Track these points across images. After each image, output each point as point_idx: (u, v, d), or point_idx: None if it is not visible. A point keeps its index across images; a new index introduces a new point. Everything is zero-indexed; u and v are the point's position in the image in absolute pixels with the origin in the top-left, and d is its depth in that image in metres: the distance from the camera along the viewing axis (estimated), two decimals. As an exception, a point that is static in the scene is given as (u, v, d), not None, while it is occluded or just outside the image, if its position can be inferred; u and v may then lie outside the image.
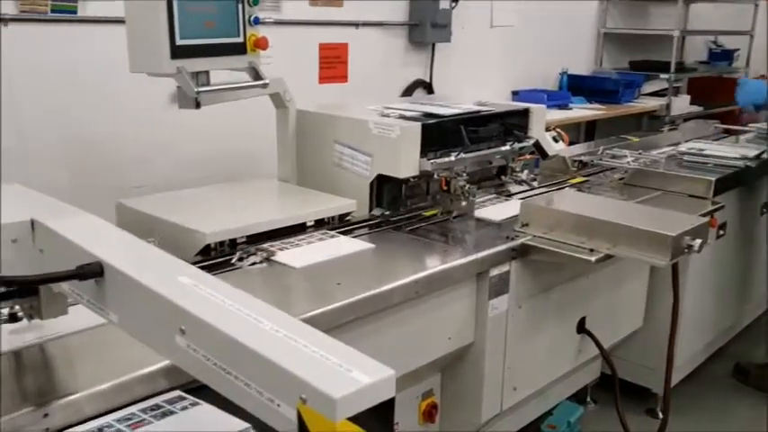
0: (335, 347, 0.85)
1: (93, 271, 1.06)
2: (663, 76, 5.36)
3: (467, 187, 2.33)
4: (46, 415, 1.20)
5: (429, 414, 2.25)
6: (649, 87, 5.50)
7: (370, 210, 2.37)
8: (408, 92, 4.10)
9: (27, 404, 1.20)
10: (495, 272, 2.10)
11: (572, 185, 2.88)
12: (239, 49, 2.07)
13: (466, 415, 2.26)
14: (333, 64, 3.72)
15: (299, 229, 2.16)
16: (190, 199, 2.29)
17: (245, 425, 1.20)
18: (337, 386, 0.76)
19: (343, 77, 3.76)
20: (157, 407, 1.27)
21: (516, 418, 2.62)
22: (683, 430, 2.99)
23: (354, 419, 0.76)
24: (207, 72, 2.06)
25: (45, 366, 1.36)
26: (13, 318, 1.45)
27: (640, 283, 2.88)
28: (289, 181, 2.52)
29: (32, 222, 1.25)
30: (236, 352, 0.86)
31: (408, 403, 2.20)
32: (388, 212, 2.37)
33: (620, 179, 2.97)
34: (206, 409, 1.26)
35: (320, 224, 2.23)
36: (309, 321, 1.17)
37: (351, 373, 0.78)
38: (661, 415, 3.05)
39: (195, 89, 1.97)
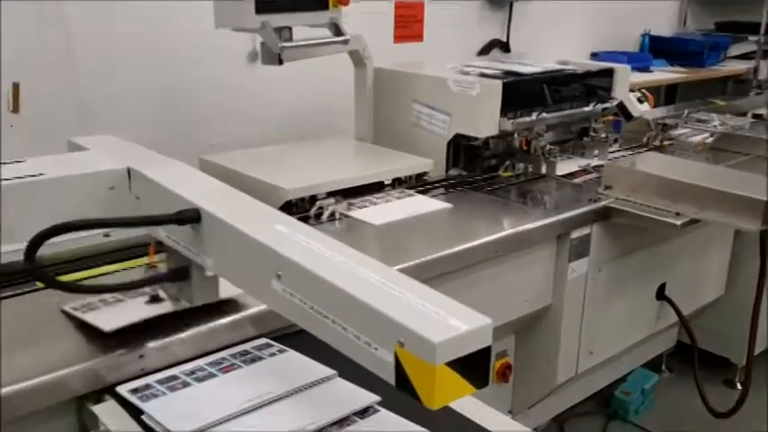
0: (432, 295, 0.85)
1: (190, 216, 1.09)
2: (751, 38, 5.10)
3: (547, 148, 2.29)
4: (141, 356, 1.25)
5: (503, 374, 2.24)
6: (736, 50, 5.25)
7: (447, 170, 2.36)
8: (484, 51, 4.03)
9: (123, 347, 1.25)
10: (575, 234, 2.07)
11: (655, 149, 2.79)
12: (322, 5, 2.07)
13: (540, 376, 2.25)
14: (408, 23, 3.67)
15: (376, 188, 2.16)
16: (270, 156, 2.32)
17: (332, 371, 1.23)
18: (437, 331, 0.76)
19: (418, 37, 3.71)
20: (246, 352, 1.31)
21: (589, 383, 2.59)
22: (762, 403, 2.91)
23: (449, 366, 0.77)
24: (289, 28, 2.06)
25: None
26: (154, 299, 1.37)
27: (723, 250, 2.79)
28: (365, 140, 2.52)
29: (129, 171, 1.29)
30: (333, 296, 0.87)
31: (483, 363, 2.20)
32: (465, 173, 2.35)
33: (706, 143, 2.87)
34: (293, 356, 1.30)
35: (397, 183, 2.23)
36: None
37: (449, 320, 0.78)
38: (740, 386, 2.98)
39: (279, 44, 1.98)
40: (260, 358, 1.29)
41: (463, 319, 0.79)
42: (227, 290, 1.31)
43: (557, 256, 2.10)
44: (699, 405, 2.67)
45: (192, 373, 1.24)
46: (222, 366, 1.26)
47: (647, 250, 2.39)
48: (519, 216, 2.05)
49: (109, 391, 1.22)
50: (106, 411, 1.17)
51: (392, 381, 0.80)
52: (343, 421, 1.09)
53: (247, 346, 1.33)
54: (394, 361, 0.79)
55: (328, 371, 1.23)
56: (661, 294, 2.52)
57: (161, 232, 1.20)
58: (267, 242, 0.97)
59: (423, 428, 1.05)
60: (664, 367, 3.07)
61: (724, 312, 2.87)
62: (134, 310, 1.32)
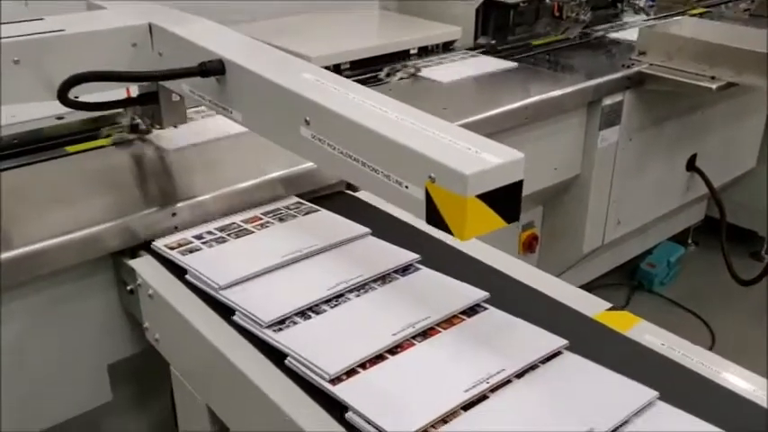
0: (463, 133, 0.84)
1: (214, 68, 1.07)
2: None
3: (580, 13, 2.20)
4: (174, 214, 1.27)
5: (529, 245, 2.26)
6: None
7: (476, 38, 2.29)
8: None
9: (155, 204, 1.27)
10: (607, 101, 2.02)
11: (692, 16, 2.68)
12: None
13: (567, 246, 2.27)
14: None
15: (402, 56, 2.12)
16: (294, 25, 2.26)
17: (366, 229, 1.24)
18: (468, 164, 0.75)
19: None
20: (278, 210, 1.32)
21: (615, 255, 2.61)
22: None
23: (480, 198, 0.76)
24: None
25: (169, 174, 1.42)
26: (134, 129, 1.51)
27: (757, 121, 2.72)
28: (390, 9, 2.45)
29: (150, 26, 1.26)
30: (362, 138, 0.86)
31: (509, 233, 2.22)
32: (494, 41, 2.28)
33: (746, 10, 2.74)
34: (326, 215, 1.30)
35: (423, 52, 2.18)
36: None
37: (481, 154, 0.77)
38: (766, 257, 2.99)
39: None
40: (293, 216, 1.30)
41: (495, 154, 0.77)
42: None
43: (587, 125, 2.06)
44: (724, 277, 2.68)
45: (227, 228, 1.26)
46: (256, 223, 1.27)
47: (679, 120, 2.33)
48: (549, 83, 2.00)
49: (144, 248, 1.25)
50: (142, 265, 1.20)
51: (423, 217, 0.80)
52: (385, 277, 1.09)
53: (278, 204, 1.34)
54: (425, 197, 0.79)
55: (363, 228, 1.24)
56: (691, 165, 2.48)
57: (185, 87, 1.19)
58: (294, 88, 0.96)
59: (464, 283, 1.07)
60: (690, 240, 3.07)
61: (754, 186, 2.84)
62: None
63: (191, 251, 1.19)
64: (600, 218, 2.23)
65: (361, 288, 1.07)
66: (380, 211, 1.34)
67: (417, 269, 1.13)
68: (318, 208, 1.32)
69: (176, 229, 1.26)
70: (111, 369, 1.34)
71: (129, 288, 1.22)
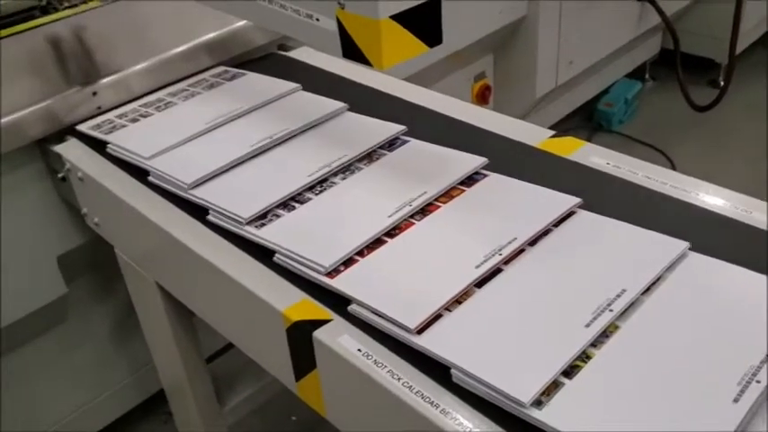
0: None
1: None
2: None
3: None
4: (95, 93, 1.20)
5: (482, 95, 2.22)
6: None
7: None
8: None
9: (73, 84, 1.19)
10: (547, -69, 1.92)
11: None
12: None
13: (520, 92, 2.22)
14: None
15: None
16: None
17: (295, 84, 1.18)
18: (377, -17, 0.69)
19: None
20: (205, 80, 1.26)
21: (571, 98, 2.58)
22: (744, 100, 2.92)
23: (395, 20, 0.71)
24: None
25: (84, 50, 1.33)
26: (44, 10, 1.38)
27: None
28: None
29: None
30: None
31: (462, 86, 2.17)
32: None
33: None
34: (254, 77, 1.24)
35: None
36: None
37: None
38: (722, 83, 2.97)
39: None
40: (220, 83, 1.24)
41: (405, -29, 0.71)
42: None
43: (529, -39, 1.97)
44: (682, 109, 2.67)
45: (152, 104, 1.19)
46: (183, 95, 1.21)
47: (626, -53, 2.24)
48: None
49: (71, 133, 1.19)
50: (68, 149, 1.15)
51: (339, 53, 0.75)
52: (371, 155, 1.00)
53: (205, 75, 1.27)
54: (338, 27, 0.73)
55: (292, 84, 1.18)
56: (642, -5, 2.41)
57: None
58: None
59: (459, 151, 0.98)
60: (648, 76, 3.03)
61: (709, 13, 2.78)
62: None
63: (115, 128, 1.13)
64: (551, 59, 2.18)
65: (346, 170, 0.97)
66: (311, 66, 1.29)
67: (405, 141, 1.02)
68: (246, 72, 1.26)
69: (100, 109, 1.20)
70: (65, 261, 1.31)
71: (60, 176, 1.17)
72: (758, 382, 0.62)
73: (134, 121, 1.15)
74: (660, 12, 2.44)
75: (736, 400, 0.60)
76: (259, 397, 1.33)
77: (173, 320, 1.15)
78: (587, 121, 2.81)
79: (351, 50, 0.73)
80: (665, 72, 2.95)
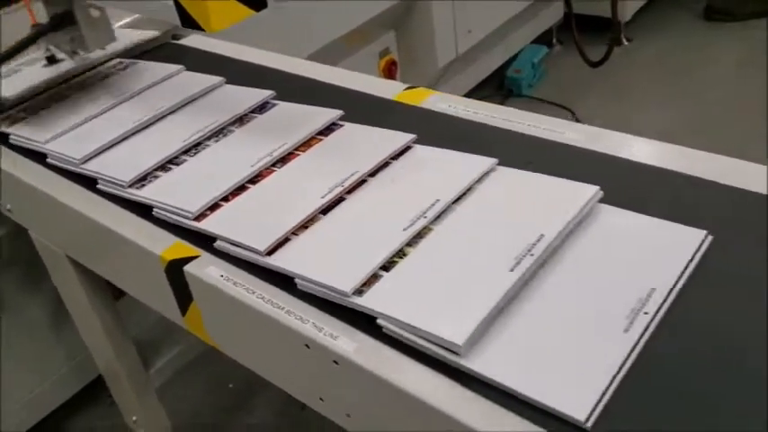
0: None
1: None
2: None
3: None
4: (-4, 93, 1.30)
5: (389, 71, 2.34)
6: None
7: None
8: None
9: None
10: None
11: None
12: None
13: (423, 65, 2.36)
14: None
15: None
16: None
17: (179, 66, 1.30)
18: (197, -41, 0.81)
19: None
20: (100, 73, 1.36)
21: (480, 67, 2.72)
22: (647, 55, 3.09)
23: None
24: None
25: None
26: (51, 60, 1.39)
27: None
28: None
29: None
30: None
31: (368, 63, 2.29)
32: None
33: None
34: (143, 64, 1.36)
35: None
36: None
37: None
38: (626, 42, 3.14)
39: None
40: (113, 73, 1.35)
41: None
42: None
43: (414, -62, 2.11)
44: (586, 68, 2.84)
45: (51, 98, 1.30)
46: (77, 87, 1.32)
47: None
48: None
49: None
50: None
51: (179, 22, 0.87)
52: (242, 119, 1.12)
53: (100, 68, 1.38)
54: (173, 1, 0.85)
55: (177, 66, 1.30)
56: (533, -38, 2.56)
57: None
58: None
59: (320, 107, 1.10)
60: (555, 40, 3.19)
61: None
62: (32, 75, 1.34)
63: (14, 122, 1.24)
64: (448, 30, 2.32)
65: (219, 133, 1.09)
66: (199, 51, 1.40)
67: (274, 105, 1.14)
68: (137, 61, 1.37)
69: (2, 107, 1.30)
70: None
71: (-29, 171, 1.27)
72: (645, 313, 0.69)
73: (34, 113, 1.25)
74: (550, -23, 2.59)
75: (626, 330, 0.67)
76: (183, 357, 1.45)
77: (88, 292, 1.26)
78: (500, 88, 2.96)
79: (186, 18, 0.86)
80: (570, 36, 3.11)
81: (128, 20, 1.49)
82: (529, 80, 2.90)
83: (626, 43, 3.15)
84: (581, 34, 2.85)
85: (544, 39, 3.10)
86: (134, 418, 1.47)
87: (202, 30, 0.85)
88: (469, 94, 2.77)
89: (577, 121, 2.69)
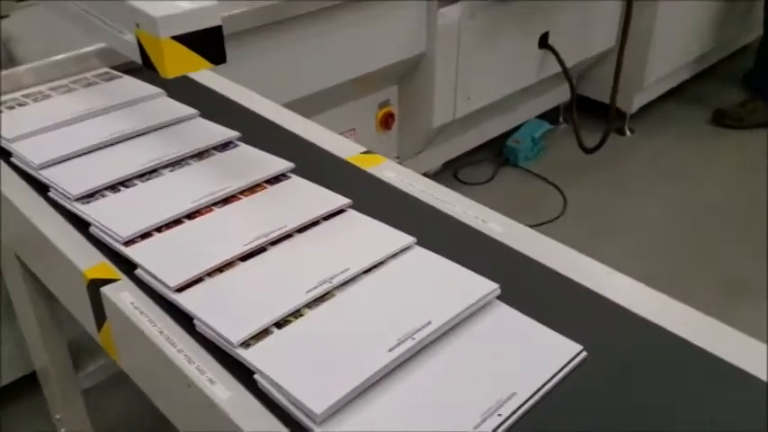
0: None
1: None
2: None
3: None
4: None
5: (386, 122, 2.41)
6: None
7: None
8: None
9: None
10: (444, -23, 2.13)
11: None
12: None
13: (419, 122, 2.42)
14: None
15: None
16: None
17: (159, 90, 1.36)
18: (161, 10, 0.87)
19: None
20: (85, 80, 1.43)
21: (480, 132, 2.78)
22: (648, 149, 3.14)
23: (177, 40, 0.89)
24: None
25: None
26: None
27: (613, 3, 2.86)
28: None
29: None
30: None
31: (368, 110, 2.36)
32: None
33: None
34: (128, 80, 1.42)
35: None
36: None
37: (177, 3, 0.89)
38: (629, 132, 3.20)
39: None
40: (96, 83, 1.41)
41: (192, 2, 0.90)
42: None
43: (428, 2, 2.18)
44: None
45: (30, 96, 1.36)
46: (61, 90, 1.38)
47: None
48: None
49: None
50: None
51: (139, 59, 0.93)
52: (203, 153, 1.17)
53: (88, 74, 1.45)
54: (137, 42, 0.91)
55: (156, 89, 1.36)
56: (544, 43, 2.63)
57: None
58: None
59: (275, 156, 1.15)
60: (561, 119, 3.25)
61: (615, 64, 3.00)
62: None
63: (-6, 115, 1.30)
64: (448, 94, 2.38)
65: (176, 164, 1.14)
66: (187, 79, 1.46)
67: (236, 145, 1.19)
68: (123, 75, 1.43)
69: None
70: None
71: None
72: (499, 415, 0.72)
73: (10, 108, 1.31)
74: (560, 60, 2.66)
75: (476, 427, 0.71)
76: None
77: (30, 290, 1.31)
78: (498, 155, 3.01)
79: (147, 60, 0.91)
80: (578, 117, 3.17)
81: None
82: (526, 152, 2.95)
83: (629, 134, 3.20)
84: (590, 118, 2.91)
85: (551, 115, 3.16)
86: (58, 416, 1.50)
87: (157, 71, 0.90)
88: (464, 156, 2.82)
89: (565, 201, 2.73)
